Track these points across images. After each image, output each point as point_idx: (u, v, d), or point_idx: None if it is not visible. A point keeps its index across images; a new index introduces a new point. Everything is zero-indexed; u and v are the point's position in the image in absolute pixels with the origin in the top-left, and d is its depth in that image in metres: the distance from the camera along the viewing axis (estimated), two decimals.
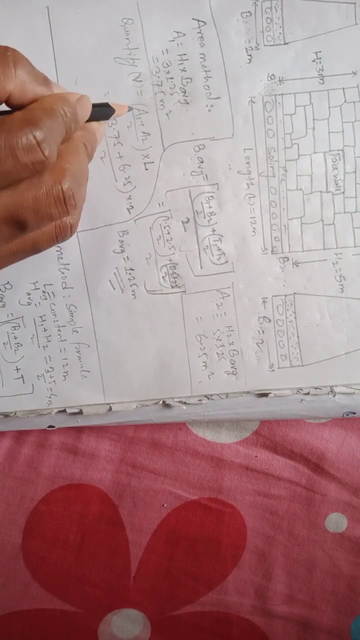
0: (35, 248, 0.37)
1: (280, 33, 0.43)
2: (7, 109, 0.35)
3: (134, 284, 0.46)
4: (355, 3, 0.43)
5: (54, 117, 0.34)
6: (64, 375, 0.48)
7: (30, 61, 0.35)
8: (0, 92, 0.33)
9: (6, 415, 0.48)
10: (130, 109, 0.43)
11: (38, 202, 0.34)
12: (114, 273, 0.46)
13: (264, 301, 0.47)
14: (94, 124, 0.40)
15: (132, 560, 0.52)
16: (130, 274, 0.46)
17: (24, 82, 0.34)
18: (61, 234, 0.37)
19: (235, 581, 0.52)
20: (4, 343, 0.47)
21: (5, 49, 0.34)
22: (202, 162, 0.44)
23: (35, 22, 0.43)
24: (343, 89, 0.44)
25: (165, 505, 0.52)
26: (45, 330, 0.47)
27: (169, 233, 0.45)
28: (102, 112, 0.41)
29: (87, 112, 0.38)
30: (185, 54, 0.43)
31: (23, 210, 0.34)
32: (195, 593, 0.52)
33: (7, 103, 0.34)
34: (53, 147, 0.33)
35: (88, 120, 0.39)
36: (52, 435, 0.51)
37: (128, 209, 0.45)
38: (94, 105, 0.39)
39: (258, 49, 0.43)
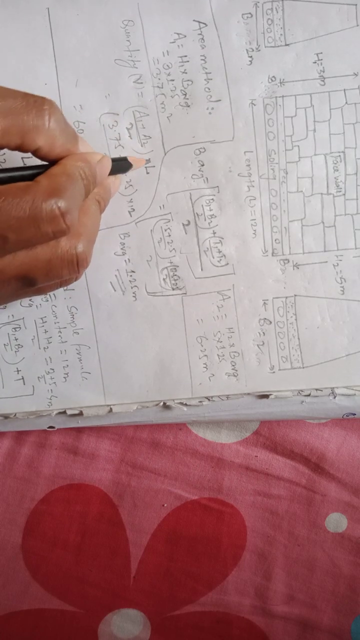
0: (40, 293, 0.39)
1: (281, 34, 0.43)
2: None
3: (135, 286, 0.46)
4: (356, 4, 0.43)
5: (76, 183, 0.34)
6: (64, 377, 0.48)
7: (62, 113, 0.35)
8: (30, 145, 0.34)
9: (6, 417, 0.48)
10: (147, 161, 0.44)
11: (51, 264, 0.35)
12: (115, 275, 0.46)
13: (264, 303, 0.47)
14: (110, 178, 0.41)
15: (132, 560, 0.52)
16: (131, 276, 0.46)
17: (55, 137, 0.34)
18: (67, 283, 0.39)
19: (235, 581, 0.52)
20: (4, 344, 0.47)
21: (43, 101, 0.34)
22: (202, 165, 0.44)
23: (35, 23, 0.43)
24: (344, 90, 0.44)
25: (165, 505, 0.52)
26: (46, 331, 0.47)
27: (169, 235, 0.45)
28: (119, 166, 0.41)
29: (106, 172, 0.39)
30: (186, 56, 0.43)
31: (36, 270, 0.35)
32: (195, 593, 0.53)
33: (34, 154, 0.35)
34: (75, 216, 0.34)
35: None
36: (52, 435, 0.51)
37: (129, 212, 0.45)
38: (113, 160, 0.40)
39: (259, 50, 0.43)
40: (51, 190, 0.33)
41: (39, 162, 0.36)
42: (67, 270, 0.36)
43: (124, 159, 0.42)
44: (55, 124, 0.34)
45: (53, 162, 0.36)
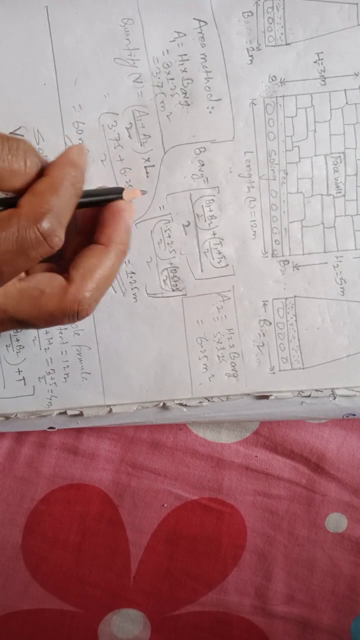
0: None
1: (281, 33, 0.43)
2: None
3: (135, 287, 0.46)
4: (357, 4, 0.43)
5: (61, 192, 0.34)
6: (64, 377, 0.48)
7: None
8: (8, 188, 0.34)
9: (7, 417, 0.48)
10: (144, 192, 0.43)
11: (54, 316, 0.37)
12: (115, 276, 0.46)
13: (264, 304, 0.46)
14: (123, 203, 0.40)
15: (132, 560, 0.52)
16: (131, 277, 0.46)
17: (32, 177, 0.35)
18: None
19: (235, 581, 0.53)
20: (6, 345, 0.47)
21: (18, 143, 0.34)
22: (202, 165, 0.44)
23: (34, 22, 0.42)
24: (345, 90, 0.44)
25: (165, 505, 0.52)
26: (46, 332, 0.47)
27: (169, 236, 0.45)
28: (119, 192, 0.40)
29: (85, 159, 0.38)
30: (186, 55, 0.43)
31: (38, 320, 0.37)
32: (195, 593, 0.53)
33: (12, 193, 0.35)
34: (61, 233, 0.34)
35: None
36: (52, 435, 0.51)
37: None
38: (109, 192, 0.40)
39: (259, 49, 0.43)
40: (33, 214, 0.33)
41: None
42: (68, 320, 0.37)
43: (120, 191, 0.40)
44: (32, 165, 0.34)
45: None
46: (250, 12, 0.43)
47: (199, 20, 0.43)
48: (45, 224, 0.33)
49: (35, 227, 0.33)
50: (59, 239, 0.34)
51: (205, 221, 0.45)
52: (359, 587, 0.52)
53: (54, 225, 0.33)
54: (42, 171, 0.35)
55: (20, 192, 0.35)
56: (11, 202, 0.34)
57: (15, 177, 0.34)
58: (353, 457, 0.51)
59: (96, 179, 0.44)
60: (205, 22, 0.43)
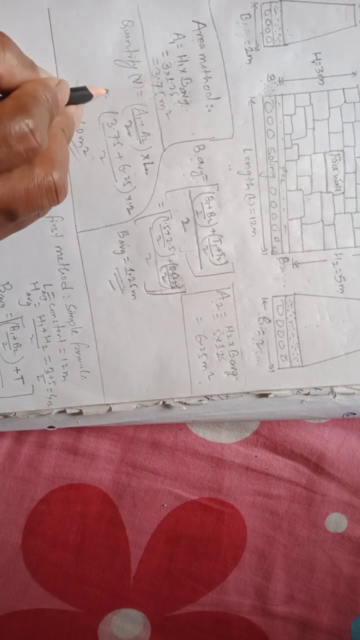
0: (19, 228, 0.38)
1: (279, 34, 0.43)
2: None
3: (134, 285, 0.46)
4: (354, 4, 0.43)
5: (40, 104, 0.34)
6: (63, 376, 0.48)
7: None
8: None
9: (6, 416, 0.48)
10: (106, 90, 0.44)
11: (30, 194, 0.34)
12: (114, 273, 0.46)
13: (264, 302, 0.47)
14: (72, 108, 0.40)
15: (132, 560, 0.52)
16: (130, 274, 0.46)
17: (13, 66, 0.34)
18: (44, 214, 0.38)
19: (235, 581, 0.52)
20: (3, 343, 0.47)
21: None
22: (202, 162, 0.45)
23: (35, 23, 0.43)
24: (343, 89, 0.44)
25: (165, 505, 0.52)
26: (44, 330, 0.47)
27: (168, 233, 0.45)
28: (80, 96, 0.41)
29: (66, 96, 0.39)
30: (185, 55, 0.43)
31: (15, 201, 0.34)
32: (195, 593, 0.52)
33: None
34: (44, 134, 0.33)
35: (66, 104, 0.39)
36: (52, 435, 0.51)
37: (128, 210, 0.45)
38: (72, 90, 0.40)
39: (258, 49, 0.44)
40: (17, 109, 0.32)
41: None
42: (47, 199, 0.35)
43: (84, 88, 0.41)
44: (10, 52, 0.34)
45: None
46: (248, 14, 0.43)
47: (198, 23, 0.43)
48: (30, 120, 0.32)
49: (20, 118, 0.32)
50: (43, 137, 0.33)
51: (204, 218, 0.45)
52: (359, 587, 0.52)
53: (39, 123, 0.33)
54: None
55: (3, 83, 0.34)
56: None
57: None
58: (353, 457, 0.51)
59: (95, 176, 0.44)
60: (204, 24, 0.43)
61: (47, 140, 0.34)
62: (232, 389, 0.48)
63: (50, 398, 0.48)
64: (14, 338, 0.47)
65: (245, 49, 0.43)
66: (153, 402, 0.48)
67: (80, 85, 0.42)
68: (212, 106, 0.44)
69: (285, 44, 0.44)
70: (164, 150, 0.44)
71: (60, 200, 0.36)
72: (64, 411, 0.48)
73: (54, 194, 0.35)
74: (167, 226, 0.45)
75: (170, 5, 0.43)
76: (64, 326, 0.47)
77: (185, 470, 0.51)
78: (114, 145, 0.44)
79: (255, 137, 0.44)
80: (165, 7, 0.43)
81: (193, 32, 0.43)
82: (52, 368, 0.48)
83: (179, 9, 0.43)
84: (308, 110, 0.44)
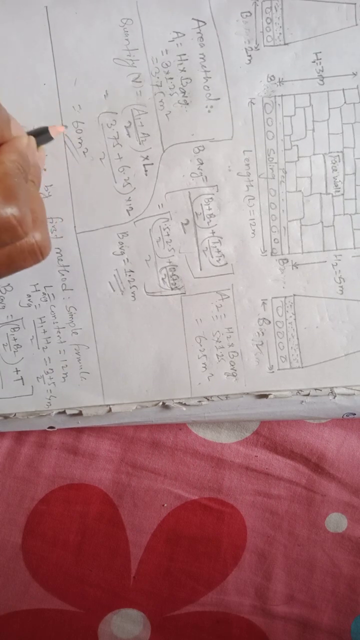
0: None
1: (280, 33, 0.43)
2: None
3: (134, 286, 0.46)
4: (355, 3, 0.43)
5: (22, 181, 0.33)
6: (63, 377, 0.48)
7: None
8: None
9: (6, 417, 0.48)
10: (65, 127, 0.43)
11: (13, 257, 0.34)
12: (114, 275, 0.46)
13: (263, 303, 0.46)
14: (36, 154, 0.39)
15: (132, 560, 0.52)
16: (130, 275, 0.46)
17: None
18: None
19: (235, 581, 0.52)
20: (3, 344, 0.47)
21: None
22: (201, 163, 0.44)
23: (34, 22, 0.43)
24: (343, 90, 0.44)
25: (165, 505, 0.52)
26: (44, 331, 0.47)
27: (168, 235, 0.45)
28: (42, 139, 0.41)
29: (34, 153, 0.38)
30: (184, 54, 0.43)
31: None
32: (195, 593, 0.53)
33: None
34: (29, 221, 0.33)
35: None
36: (52, 435, 0.51)
37: (127, 211, 0.45)
38: (35, 134, 0.39)
39: (258, 49, 0.43)
40: (3, 197, 0.32)
41: None
42: (31, 260, 0.35)
43: (45, 130, 0.41)
44: None
45: None
46: (249, 12, 0.43)
47: (198, 21, 0.43)
48: (16, 210, 0.31)
49: (8, 209, 0.31)
50: (28, 223, 0.32)
51: (204, 219, 0.45)
52: (359, 587, 0.52)
53: (24, 210, 0.32)
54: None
55: None
56: None
57: None
58: (353, 457, 0.51)
59: (95, 178, 0.44)
60: (204, 22, 0.43)
61: (30, 225, 0.33)
62: (231, 390, 0.48)
63: (50, 399, 0.48)
64: (14, 339, 0.47)
65: (245, 49, 0.43)
66: (153, 403, 0.48)
67: (41, 126, 0.41)
68: (211, 107, 0.44)
69: (285, 43, 0.43)
70: (164, 151, 0.44)
71: (44, 258, 0.36)
72: (64, 412, 0.48)
73: (38, 254, 0.35)
74: (167, 227, 0.45)
75: (170, 3, 0.43)
76: (64, 327, 0.47)
77: (185, 470, 0.51)
78: (114, 146, 0.44)
79: (255, 138, 0.44)
80: (165, 5, 0.43)
81: (193, 30, 0.43)
82: (52, 369, 0.47)
83: (178, 7, 0.43)
84: (308, 111, 0.44)
